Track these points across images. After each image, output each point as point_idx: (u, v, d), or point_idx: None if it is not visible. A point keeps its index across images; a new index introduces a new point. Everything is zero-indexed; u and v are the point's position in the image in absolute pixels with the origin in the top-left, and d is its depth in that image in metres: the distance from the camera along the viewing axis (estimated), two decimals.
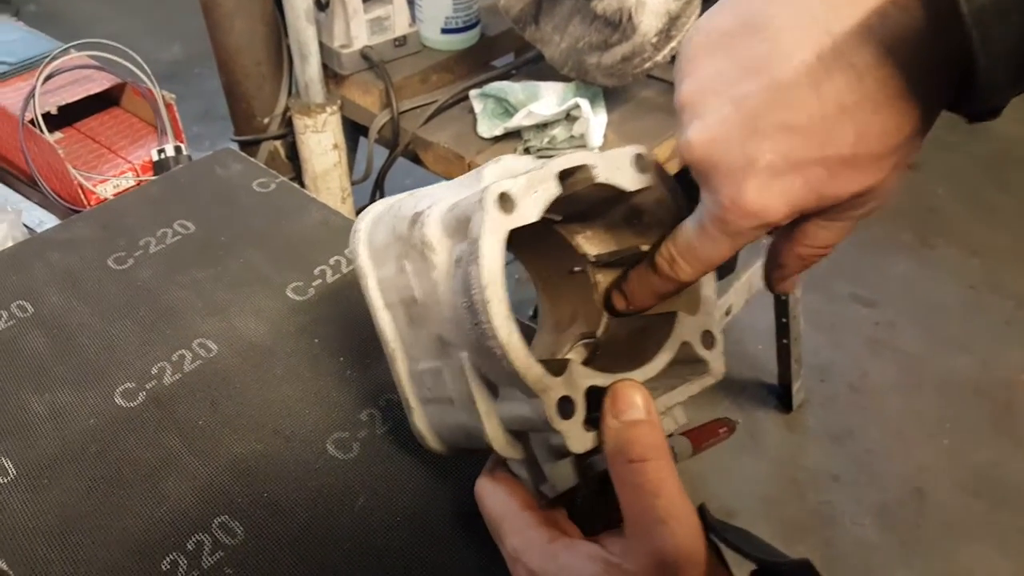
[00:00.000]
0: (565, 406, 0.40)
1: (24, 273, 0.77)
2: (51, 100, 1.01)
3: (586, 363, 0.43)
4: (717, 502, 1.76)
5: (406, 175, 1.47)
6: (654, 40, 1.17)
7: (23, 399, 0.64)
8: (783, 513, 1.76)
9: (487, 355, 0.40)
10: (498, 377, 0.42)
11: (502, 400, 0.44)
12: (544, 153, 1.29)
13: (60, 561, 0.54)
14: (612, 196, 0.44)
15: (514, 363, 0.39)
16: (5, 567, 0.53)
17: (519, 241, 0.41)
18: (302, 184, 1.43)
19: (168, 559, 0.54)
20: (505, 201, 0.39)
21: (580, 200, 0.44)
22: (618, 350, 0.50)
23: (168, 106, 1.04)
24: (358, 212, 1.60)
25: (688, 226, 0.41)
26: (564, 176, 0.41)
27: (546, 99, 1.33)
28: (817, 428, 1.93)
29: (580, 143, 1.25)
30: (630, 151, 0.44)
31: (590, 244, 0.51)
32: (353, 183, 1.48)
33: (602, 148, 1.27)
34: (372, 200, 1.46)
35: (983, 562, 1.66)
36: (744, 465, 1.83)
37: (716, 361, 0.46)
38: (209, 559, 0.54)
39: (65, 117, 1.08)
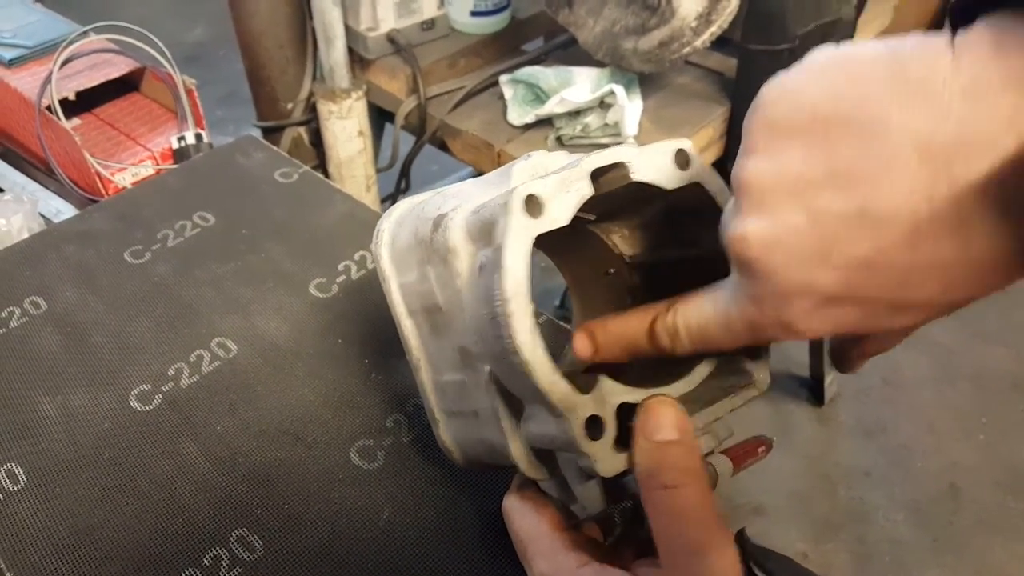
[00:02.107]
0: (594, 426, 0.37)
1: (38, 267, 0.74)
2: (68, 85, 0.98)
3: (619, 375, 0.39)
4: (746, 497, 1.72)
5: (432, 162, 1.43)
6: (693, 24, 1.12)
7: (35, 401, 0.62)
8: (814, 509, 1.72)
9: (511, 370, 0.37)
10: (522, 393, 0.39)
11: (527, 417, 0.40)
12: (577, 141, 1.24)
13: (71, 575, 0.51)
14: (650, 194, 0.40)
15: (538, 381, 0.35)
16: None
17: (550, 239, 0.38)
18: (326, 172, 1.39)
19: (184, 574, 0.51)
20: (532, 204, 0.36)
21: (615, 198, 0.41)
22: (655, 360, 0.46)
23: (189, 92, 1.01)
24: (383, 201, 1.56)
25: (707, 306, 0.36)
26: (597, 175, 0.38)
27: (579, 85, 1.28)
28: (849, 422, 1.88)
29: (614, 131, 1.21)
30: (671, 146, 0.40)
31: (626, 244, 0.47)
32: (378, 171, 1.44)
33: (637, 136, 1.22)
34: (397, 190, 1.43)
35: (1018, 561, 1.61)
36: (775, 460, 1.78)
37: (761, 372, 0.41)
38: (227, 575, 0.51)
39: (83, 103, 1.05)
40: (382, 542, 0.53)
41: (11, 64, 1.03)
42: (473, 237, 0.39)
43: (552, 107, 1.23)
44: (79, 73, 1.01)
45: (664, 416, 0.36)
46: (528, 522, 0.42)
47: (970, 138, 0.26)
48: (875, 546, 1.65)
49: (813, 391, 1.91)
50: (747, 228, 0.31)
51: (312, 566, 0.51)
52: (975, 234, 0.27)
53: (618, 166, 0.39)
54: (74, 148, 0.93)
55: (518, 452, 0.41)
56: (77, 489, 0.56)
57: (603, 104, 1.22)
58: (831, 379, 1.88)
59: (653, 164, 0.39)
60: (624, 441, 0.37)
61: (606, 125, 1.21)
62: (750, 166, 0.31)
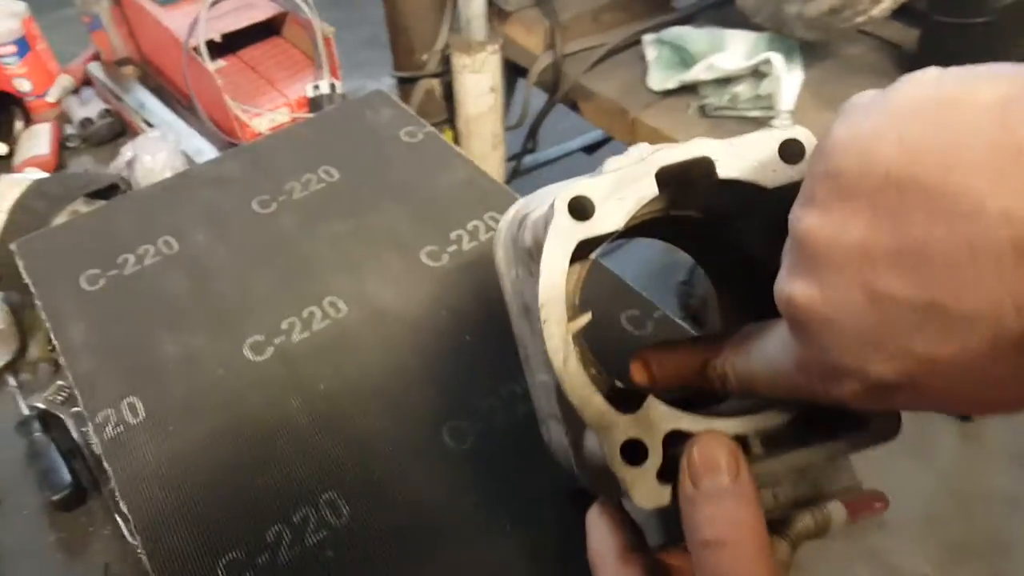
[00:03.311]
0: (633, 450, 0.33)
1: (175, 208, 0.78)
2: (216, 27, 1.02)
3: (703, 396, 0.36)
4: None
5: (561, 121, 1.39)
6: None
7: (160, 339, 0.65)
8: (947, 533, 1.59)
9: (554, 378, 0.34)
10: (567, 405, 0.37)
11: (589, 432, 0.38)
12: (723, 113, 1.17)
13: (175, 514, 0.54)
14: (755, 192, 0.35)
15: (568, 394, 0.33)
16: (126, 511, 0.54)
17: (679, 232, 0.35)
18: (454, 127, 1.39)
19: (273, 530, 0.53)
20: (579, 206, 0.33)
21: (716, 196, 0.36)
22: None
23: (326, 40, 1.02)
24: (508, 161, 1.55)
25: (755, 357, 0.32)
26: (669, 174, 0.34)
27: (731, 50, 1.19)
28: (996, 444, 1.71)
29: (766, 104, 1.12)
30: (776, 136, 0.34)
31: (749, 237, 0.43)
32: (506, 129, 1.42)
33: (793, 112, 1.13)
34: (523, 150, 1.41)
35: None
36: (907, 473, 1.66)
37: (885, 418, 0.34)
38: (312, 537, 0.52)
39: (229, 45, 1.08)
40: (461, 530, 0.52)
41: (165, 2, 1.08)
42: (538, 237, 0.37)
43: (698, 73, 1.16)
44: (226, 15, 1.05)
45: (715, 458, 0.32)
46: (600, 540, 0.40)
47: None
48: None
49: None
50: (795, 291, 0.27)
51: (391, 543, 0.52)
52: None
53: (699, 162, 0.34)
54: (216, 90, 0.96)
55: (579, 465, 0.39)
56: (188, 430, 0.59)
57: (757, 73, 1.13)
58: None
59: (749, 157, 0.34)
60: (672, 473, 0.33)
61: (758, 97, 1.13)
62: (807, 219, 0.26)
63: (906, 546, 1.54)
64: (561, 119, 1.42)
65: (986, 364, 0.23)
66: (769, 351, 0.31)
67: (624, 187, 0.34)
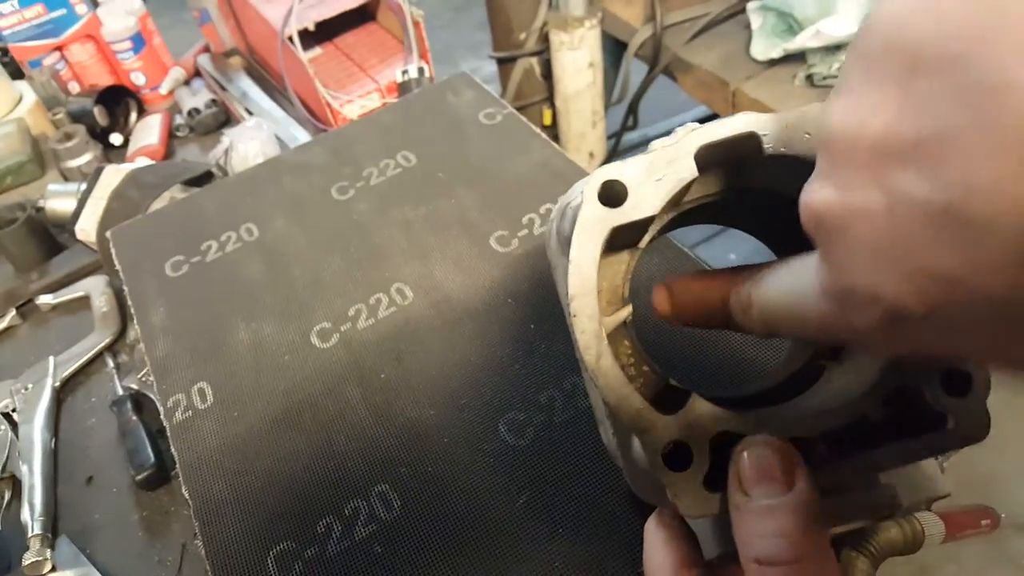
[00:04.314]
0: (677, 454, 0.30)
1: (259, 195, 0.79)
2: (309, 16, 1.03)
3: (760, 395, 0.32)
4: (1011, 509, 1.48)
5: (668, 97, 1.32)
6: None
7: (233, 325, 0.67)
8: None
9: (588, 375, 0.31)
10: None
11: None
12: (830, 82, 1.08)
13: (233, 500, 0.54)
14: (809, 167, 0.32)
15: (603, 392, 0.30)
16: (187, 495, 0.55)
17: (740, 213, 0.32)
18: (553, 105, 1.36)
19: (324, 521, 0.52)
20: (610, 192, 0.30)
21: (768, 171, 0.33)
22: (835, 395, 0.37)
23: (416, 24, 1.01)
24: (608, 139, 1.50)
25: (785, 281, 0.28)
26: (711, 152, 0.31)
27: (842, 15, 1.10)
28: None
29: None
30: (817, 108, 0.30)
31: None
32: (606, 106, 1.37)
33: None
34: (623, 127, 1.36)
35: None
36: None
37: (968, 413, 0.30)
38: (362, 530, 0.52)
39: (326, 31, 1.09)
40: (514, 528, 0.50)
41: None
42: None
43: (805, 40, 1.08)
44: (321, 3, 1.06)
45: (768, 463, 0.28)
46: (657, 554, 0.37)
47: None
48: None
49: None
50: (813, 195, 0.23)
51: (441, 541, 0.50)
52: None
53: (744, 137, 0.31)
54: (308, 79, 0.98)
55: (627, 469, 0.36)
56: (251, 417, 0.59)
57: None
58: None
59: (796, 130, 0.31)
60: (722, 480, 0.30)
61: None
62: (834, 110, 0.23)
63: None
64: (668, 95, 1.35)
65: (1012, 287, 0.19)
66: (794, 277, 0.27)
67: (659, 169, 0.31)
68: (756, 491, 0.28)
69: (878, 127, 0.21)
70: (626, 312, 0.34)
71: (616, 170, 0.31)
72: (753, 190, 0.35)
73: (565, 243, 0.35)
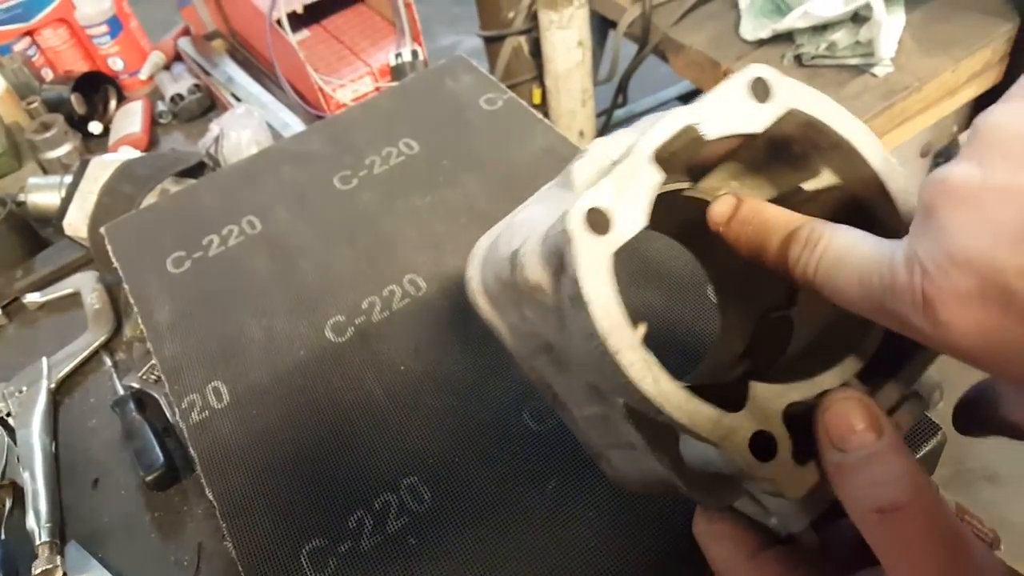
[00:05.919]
0: (762, 445, 0.30)
1: (258, 186, 0.78)
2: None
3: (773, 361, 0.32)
4: (979, 462, 1.52)
5: (653, 71, 1.32)
6: None
7: (244, 322, 0.65)
8: None
9: (643, 405, 0.31)
10: (665, 424, 0.33)
11: (685, 441, 0.35)
12: (820, 62, 1.09)
13: (258, 500, 0.54)
14: (742, 140, 0.33)
15: (673, 417, 0.30)
16: (212, 498, 0.55)
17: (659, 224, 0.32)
18: (542, 84, 1.35)
19: (355, 516, 0.52)
20: (595, 219, 0.30)
21: (703, 157, 0.34)
22: (819, 331, 0.38)
23: (407, 6, 0.99)
24: (598, 116, 1.49)
25: (860, 245, 0.29)
26: (666, 154, 0.31)
27: None
28: None
29: (866, 51, 1.04)
30: (741, 79, 0.31)
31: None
32: (596, 84, 1.37)
33: (894, 58, 1.04)
34: (613, 105, 1.35)
35: None
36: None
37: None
38: (394, 523, 0.51)
39: (314, 14, 1.07)
40: (545, 513, 0.51)
41: None
42: (552, 268, 0.34)
43: (794, 20, 1.08)
44: None
45: (851, 421, 0.29)
46: (724, 550, 0.37)
47: None
48: None
49: None
50: (953, 172, 0.25)
51: (473, 529, 0.50)
52: None
53: (684, 132, 0.31)
54: (299, 63, 0.96)
55: (688, 483, 0.35)
56: (270, 414, 0.59)
57: (856, 18, 1.04)
58: None
59: (727, 110, 0.31)
60: (805, 449, 0.30)
61: (857, 43, 1.05)
62: (999, 110, 0.25)
63: (1017, 501, 1.44)
64: (653, 69, 1.35)
65: None
66: (882, 247, 0.28)
67: (626, 184, 0.31)
68: (851, 444, 0.29)
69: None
70: (643, 330, 0.34)
71: (591, 199, 0.30)
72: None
73: (531, 290, 0.34)
